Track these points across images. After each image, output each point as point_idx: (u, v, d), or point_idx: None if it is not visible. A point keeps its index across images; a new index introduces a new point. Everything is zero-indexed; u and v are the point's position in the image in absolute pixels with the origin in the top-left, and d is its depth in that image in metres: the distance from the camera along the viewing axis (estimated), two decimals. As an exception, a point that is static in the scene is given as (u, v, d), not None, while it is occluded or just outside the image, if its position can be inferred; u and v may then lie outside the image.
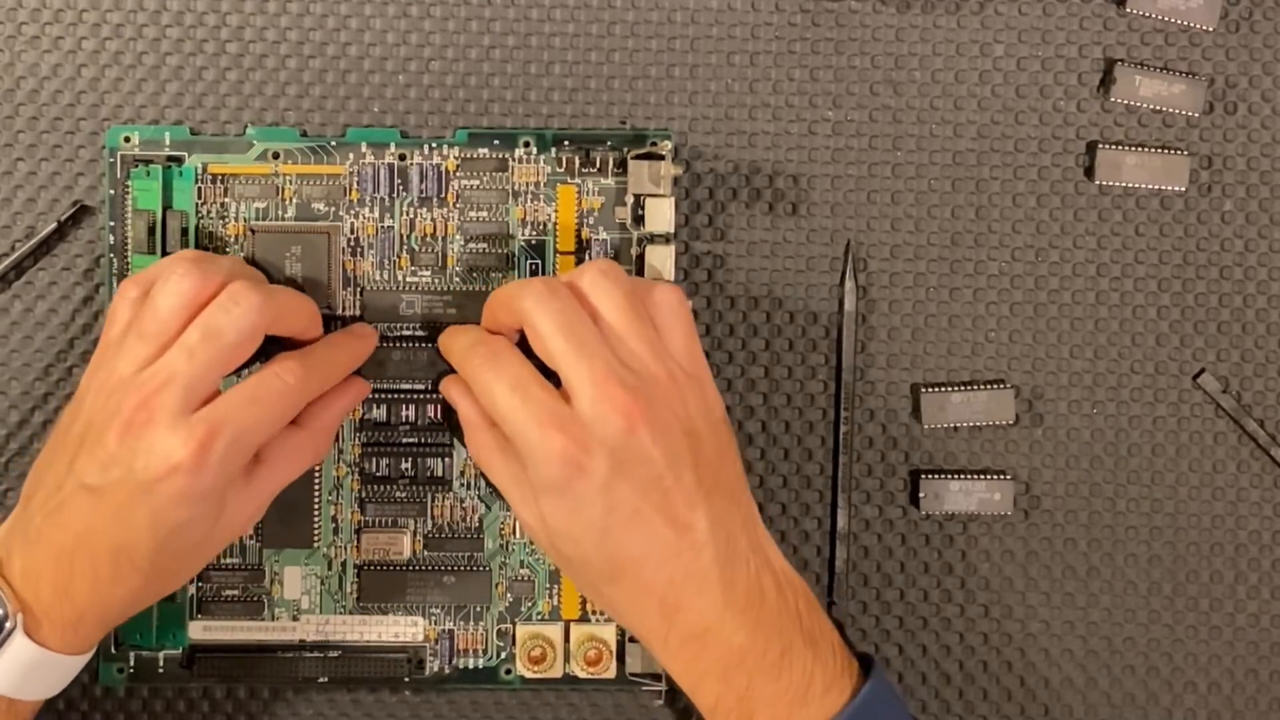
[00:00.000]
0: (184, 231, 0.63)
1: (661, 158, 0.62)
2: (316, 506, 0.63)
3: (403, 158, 0.64)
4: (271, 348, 0.59)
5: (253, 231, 0.63)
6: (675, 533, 0.55)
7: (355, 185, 0.64)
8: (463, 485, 0.64)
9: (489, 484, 0.62)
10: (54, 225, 0.64)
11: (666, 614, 0.56)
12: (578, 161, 0.64)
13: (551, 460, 0.55)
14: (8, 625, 0.55)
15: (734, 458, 0.58)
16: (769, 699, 0.56)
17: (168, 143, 0.64)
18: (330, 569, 0.64)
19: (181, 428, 0.54)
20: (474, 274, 0.64)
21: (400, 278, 0.64)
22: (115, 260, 0.63)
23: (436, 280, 0.64)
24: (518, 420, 0.55)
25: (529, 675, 0.64)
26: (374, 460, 0.64)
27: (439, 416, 0.63)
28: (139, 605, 0.58)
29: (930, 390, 0.65)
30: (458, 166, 0.64)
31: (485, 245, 0.64)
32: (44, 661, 0.56)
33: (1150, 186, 0.65)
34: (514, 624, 0.64)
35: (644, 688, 0.63)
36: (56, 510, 0.56)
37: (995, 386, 0.65)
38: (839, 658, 0.57)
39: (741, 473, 0.58)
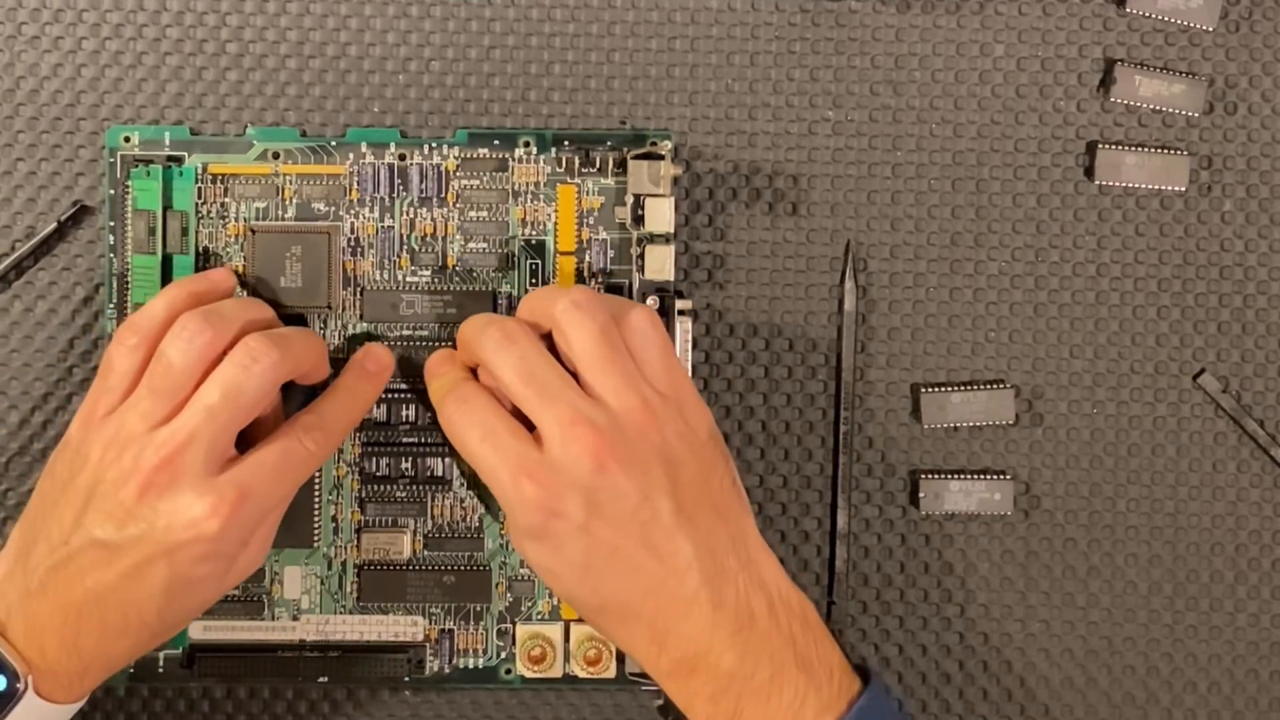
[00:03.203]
0: (184, 231, 0.63)
1: (661, 158, 0.62)
2: (316, 506, 0.63)
3: (403, 158, 0.64)
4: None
5: (253, 231, 0.63)
6: (658, 562, 0.55)
7: (355, 185, 0.64)
8: (463, 485, 0.64)
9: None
10: (54, 225, 0.64)
11: (656, 639, 0.56)
12: (578, 161, 0.64)
13: (526, 508, 0.55)
14: (19, 687, 0.55)
15: (722, 474, 0.57)
16: None
17: (168, 143, 0.64)
18: (330, 569, 0.64)
19: (209, 491, 0.55)
20: (474, 274, 0.64)
21: (400, 278, 0.64)
22: (115, 260, 0.63)
23: (436, 280, 0.64)
24: (490, 469, 0.56)
25: (529, 675, 0.64)
26: (374, 460, 0.64)
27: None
28: (141, 653, 0.58)
29: (930, 390, 0.65)
30: (458, 166, 0.64)
31: (485, 245, 0.64)
32: (49, 714, 0.56)
33: (1150, 186, 0.65)
34: (514, 624, 0.64)
35: (644, 688, 0.63)
36: (64, 564, 0.55)
37: (995, 386, 0.65)
38: (836, 679, 0.56)
39: (732, 488, 0.57)
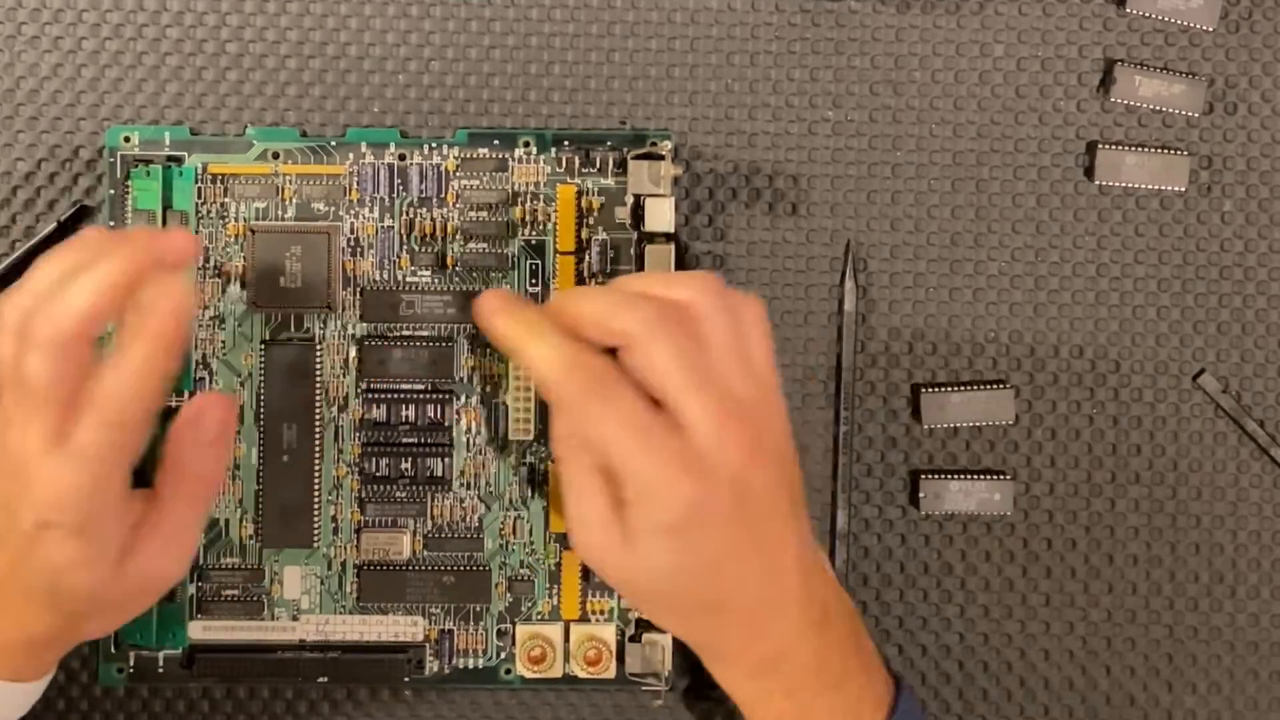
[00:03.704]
0: (184, 231, 0.63)
1: (661, 158, 0.62)
2: (316, 506, 0.63)
3: (403, 158, 0.64)
4: None
5: (253, 231, 0.63)
6: (770, 558, 0.54)
7: (355, 185, 0.64)
8: (463, 485, 0.64)
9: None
10: (54, 225, 0.64)
11: (748, 636, 0.55)
12: (578, 161, 0.64)
13: (677, 504, 0.52)
14: None
15: (800, 475, 0.57)
16: (827, 717, 0.56)
17: (168, 143, 0.64)
18: (330, 569, 0.64)
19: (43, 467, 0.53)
20: (474, 274, 0.64)
21: (400, 278, 0.64)
22: (115, 260, 0.63)
23: (436, 280, 0.64)
24: (639, 462, 0.52)
25: (529, 675, 0.64)
26: (374, 460, 0.64)
27: (438, 416, 0.63)
28: (63, 643, 0.57)
29: (930, 390, 0.65)
30: (458, 166, 0.64)
31: (485, 245, 0.64)
32: None
33: (1150, 186, 0.65)
34: (514, 624, 0.64)
35: (644, 688, 0.63)
36: None
37: (995, 386, 0.65)
38: (881, 675, 0.57)
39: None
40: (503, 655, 0.64)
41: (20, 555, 0.54)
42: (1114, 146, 0.65)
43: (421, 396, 0.63)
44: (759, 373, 0.55)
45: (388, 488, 0.64)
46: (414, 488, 0.64)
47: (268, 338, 0.64)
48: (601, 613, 0.64)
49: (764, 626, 0.55)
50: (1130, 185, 0.65)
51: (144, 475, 0.56)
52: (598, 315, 0.54)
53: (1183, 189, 0.65)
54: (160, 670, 0.63)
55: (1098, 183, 0.65)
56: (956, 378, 0.65)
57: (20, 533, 0.53)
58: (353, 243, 0.64)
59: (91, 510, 0.53)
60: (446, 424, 0.64)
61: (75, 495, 0.52)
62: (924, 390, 0.65)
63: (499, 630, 0.64)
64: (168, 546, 0.56)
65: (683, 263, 0.64)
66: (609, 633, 0.64)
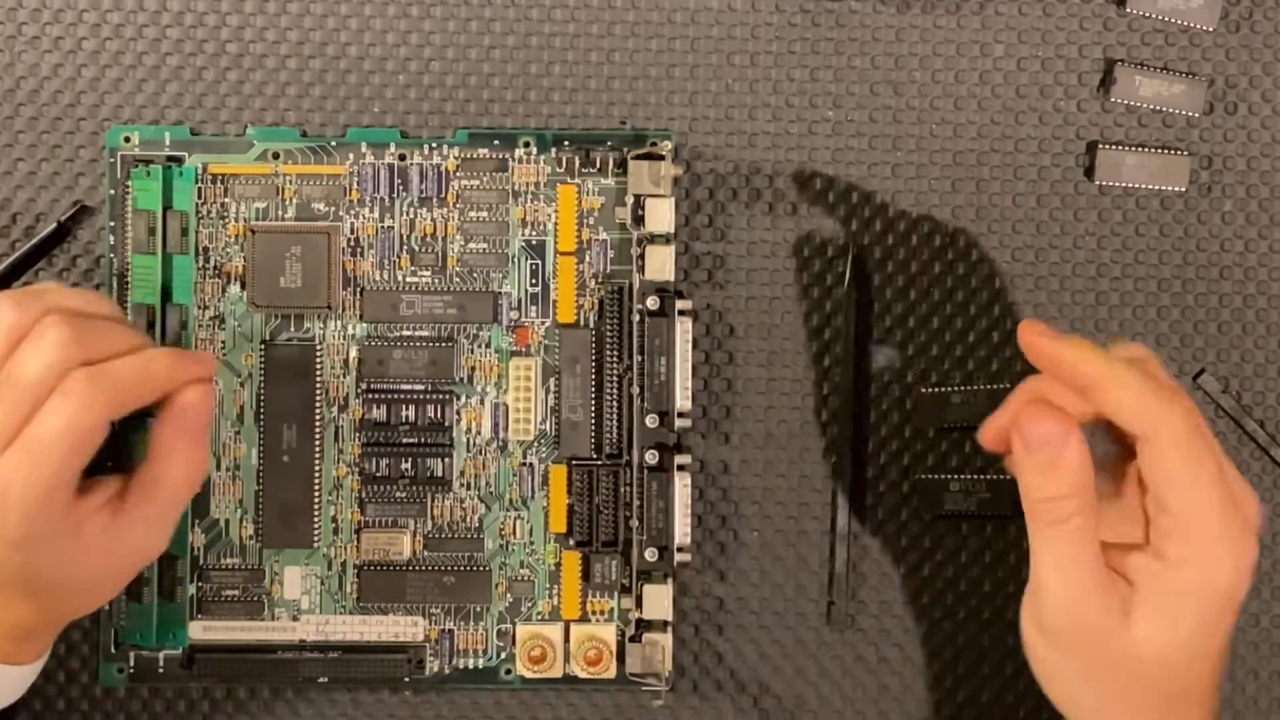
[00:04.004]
0: (184, 231, 0.63)
1: (661, 158, 0.62)
2: (316, 506, 0.63)
3: (403, 158, 0.64)
4: None
5: (253, 231, 0.63)
6: (1220, 656, 0.54)
7: (355, 185, 0.64)
8: (463, 485, 0.64)
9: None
10: (54, 225, 0.64)
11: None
12: (578, 161, 0.64)
13: (1240, 568, 0.52)
14: None
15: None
16: None
17: (168, 143, 0.64)
18: (330, 569, 0.64)
19: None
20: (474, 274, 0.64)
21: (400, 278, 0.64)
22: (115, 260, 0.63)
23: (436, 280, 0.64)
24: (1208, 517, 0.52)
25: (529, 675, 0.64)
26: (374, 460, 0.64)
27: (454, 424, 0.63)
28: (48, 626, 0.57)
29: (930, 390, 0.65)
30: (458, 166, 0.64)
31: (485, 245, 0.64)
32: None
33: (1150, 186, 0.65)
34: (514, 624, 0.64)
35: (644, 688, 0.63)
36: None
37: (995, 386, 0.65)
38: None
39: None
40: (503, 655, 0.64)
41: None
42: (1114, 146, 0.65)
43: (421, 396, 0.63)
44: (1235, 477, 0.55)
45: (388, 488, 0.64)
46: (414, 488, 0.64)
47: (268, 338, 0.64)
48: (601, 613, 0.64)
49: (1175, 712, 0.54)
50: (1130, 185, 0.65)
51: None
52: (1132, 405, 0.53)
53: (1183, 189, 0.65)
54: (160, 670, 0.64)
55: (1098, 183, 0.65)
56: (957, 378, 0.65)
57: None
58: (353, 243, 0.64)
59: (37, 508, 0.53)
60: (446, 424, 0.64)
61: (21, 492, 0.53)
62: (924, 390, 0.65)
63: (499, 630, 0.64)
64: (152, 526, 0.56)
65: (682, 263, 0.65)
66: (609, 633, 0.64)
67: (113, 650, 0.63)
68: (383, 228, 0.64)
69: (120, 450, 0.59)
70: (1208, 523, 0.52)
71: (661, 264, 0.62)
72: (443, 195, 0.64)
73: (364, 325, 0.64)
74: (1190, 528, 0.52)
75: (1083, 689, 0.55)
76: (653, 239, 0.63)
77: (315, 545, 0.64)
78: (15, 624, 0.56)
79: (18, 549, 0.54)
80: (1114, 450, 0.55)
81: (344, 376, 0.64)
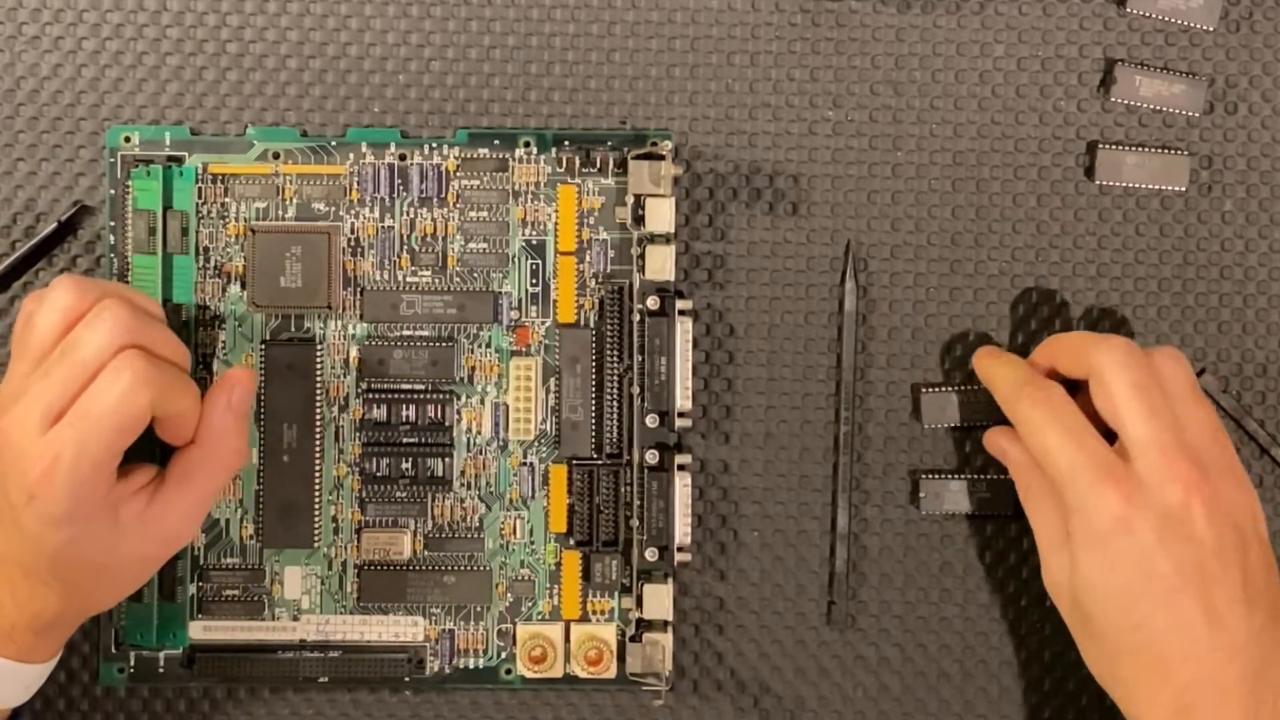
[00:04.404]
0: (184, 231, 0.63)
1: (661, 158, 0.62)
2: (316, 506, 0.63)
3: (403, 158, 0.64)
4: None
5: (253, 231, 0.63)
6: (1210, 628, 0.54)
7: (355, 185, 0.64)
8: (463, 485, 0.64)
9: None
10: (54, 225, 0.64)
11: (1177, 713, 0.54)
12: (578, 161, 0.64)
13: (1101, 513, 0.55)
14: None
15: (1277, 579, 0.56)
16: None
17: (168, 143, 0.64)
18: (330, 569, 0.64)
19: (34, 447, 0.53)
20: (474, 274, 0.64)
21: (400, 278, 0.64)
22: (115, 260, 0.63)
23: (436, 280, 0.64)
24: (1070, 465, 0.56)
25: (529, 675, 0.64)
26: (374, 460, 0.64)
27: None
28: (69, 619, 0.58)
29: (930, 390, 0.65)
30: (458, 166, 0.64)
31: (485, 245, 0.64)
32: None
33: (1150, 186, 0.65)
34: (514, 624, 0.64)
35: (644, 688, 0.63)
36: None
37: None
38: None
39: None
40: (503, 655, 0.64)
41: (14, 531, 0.54)
42: (1114, 146, 0.65)
43: (421, 396, 0.63)
44: (1220, 439, 0.57)
45: (388, 488, 0.64)
46: (414, 488, 0.64)
47: (268, 338, 0.64)
48: (602, 613, 0.64)
49: (1195, 706, 0.54)
50: (1130, 185, 0.65)
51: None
52: (1075, 347, 0.59)
53: (1183, 189, 0.65)
54: (161, 670, 0.64)
55: (1098, 183, 0.65)
56: (957, 378, 0.65)
57: (12, 506, 0.54)
58: (353, 243, 0.64)
59: (83, 483, 0.54)
60: (446, 424, 0.64)
61: (69, 465, 0.53)
62: (924, 390, 0.65)
63: (499, 630, 0.64)
64: (187, 512, 0.57)
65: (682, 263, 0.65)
66: (609, 633, 0.64)
67: (113, 650, 0.63)
68: (383, 228, 0.64)
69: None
70: (1143, 453, 0.55)
71: (661, 264, 0.62)
72: (443, 195, 0.64)
73: (364, 325, 0.64)
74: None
75: (1086, 651, 0.58)
76: (653, 239, 0.63)
77: (315, 545, 0.64)
78: (38, 613, 0.56)
79: (59, 527, 0.54)
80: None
81: (344, 376, 0.64)
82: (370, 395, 0.63)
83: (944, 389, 0.65)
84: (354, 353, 0.64)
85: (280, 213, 0.64)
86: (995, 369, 0.61)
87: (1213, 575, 0.54)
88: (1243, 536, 0.56)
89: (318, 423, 0.63)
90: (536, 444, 0.64)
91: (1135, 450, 0.56)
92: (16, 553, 0.55)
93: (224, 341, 0.64)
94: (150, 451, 0.59)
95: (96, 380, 0.54)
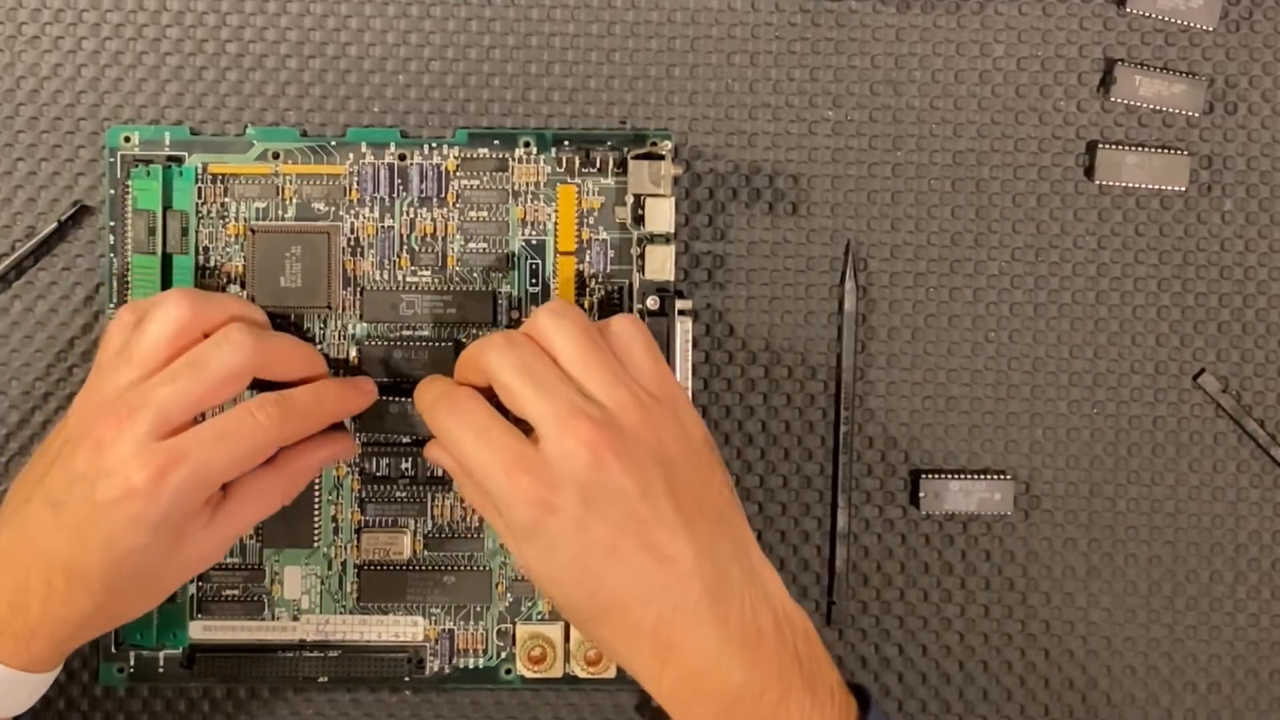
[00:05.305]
0: (184, 231, 0.63)
1: (661, 158, 0.62)
2: (316, 506, 0.63)
3: (403, 158, 0.64)
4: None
5: (253, 231, 0.63)
6: (658, 565, 0.54)
7: (355, 185, 0.64)
8: (463, 485, 0.64)
9: None
10: (54, 225, 0.64)
11: (659, 653, 0.54)
12: (578, 161, 0.64)
13: (519, 503, 0.54)
14: None
15: (720, 482, 0.56)
16: None
17: (168, 143, 0.64)
18: (330, 569, 0.64)
19: (144, 453, 0.54)
20: (474, 274, 0.64)
21: (400, 278, 0.64)
22: (115, 260, 0.63)
23: (436, 280, 0.64)
24: (483, 466, 0.54)
25: (529, 675, 0.64)
26: (374, 460, 0.64)
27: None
28: (91, 629, 0.58)
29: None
30: (458, 166, 0.64)
31: (485, 245, 0.64)
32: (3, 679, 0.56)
33: (1150, 186, 0.65)
34: (514, 624, 0.64)
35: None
36: (19, 522, 0.56)
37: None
38: (837, 700, 0.55)
39: (731, 498, 0.56)
40: (503, 655, 0.64)
41: (81, 528, 0.54)
42: (1114, 146, 0.65)
43: (421, 396, 0.63)
44: (631, 380, 0.56)
45: (388, 488, 0.64)
46: (414, 488, 0.64)
47: (268, 338, 0.64)
48: (601, 613, 0.64)
49: (672, 643, 0.54)
50: (1130, 185, 0.65)
51: None
52: (471, 357, 0.58)
53: (1183, 189, 0.65)
54: (161, 670, 0.64)
55: (1098, 183, 0.65)
56: (956, 378, 0.65)
57: (95, 504, 0.54)
58: (353, 243, 0.64)
59: (190, 499, 0.55)
60: (446, 424, 0.64)
61: (182, 477, 0.55)
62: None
63: (499, 630, 0.64)
64: (231, 533, 0.58)
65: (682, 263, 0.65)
66: (609, 633, 0.64)
67: (113, 650, 0.63)
68: (383, 227, 0.64)
69: None
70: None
71: (661, 264, 0.62)
72: (443, 195, 0.64)
73: (364, 325, 0.64)
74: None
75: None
76: (653, 239, 0.63)
77: (315, 545, 0.64)
78: (65, 619, 0.56)
79: (143, 532, 0.55)
80: None
81: (344, 376, 0.64)
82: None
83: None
84: (354, 352, 0.64)
85: (280, 213, 0.64)
86: (419, 391, 0.59)
87: (644, 517, 0.53)
88: (668, 464, 0.54)
89: (318, 423, 0.63)
90: (536, 444, 0.64)
91: (539, 431, 0.54)
92: (67, 551, 0.55)
93: (224, 341, 0.63)
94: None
95: (239, 411, 0.56)
